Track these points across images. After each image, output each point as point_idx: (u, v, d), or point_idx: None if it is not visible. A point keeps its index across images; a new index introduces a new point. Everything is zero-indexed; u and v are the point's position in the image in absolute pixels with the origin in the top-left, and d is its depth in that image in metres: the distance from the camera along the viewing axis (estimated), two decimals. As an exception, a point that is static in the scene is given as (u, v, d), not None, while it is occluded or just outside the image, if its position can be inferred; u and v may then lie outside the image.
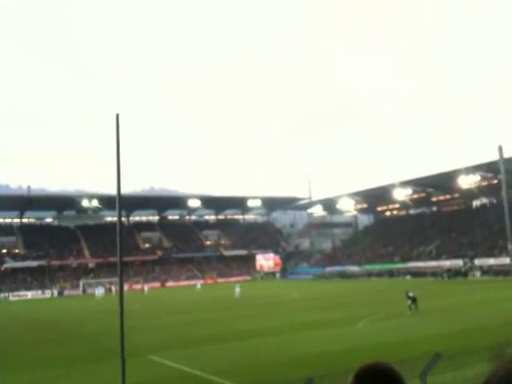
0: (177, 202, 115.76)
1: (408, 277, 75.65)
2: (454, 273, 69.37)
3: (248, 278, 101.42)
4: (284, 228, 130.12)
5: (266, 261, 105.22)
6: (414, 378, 10.76)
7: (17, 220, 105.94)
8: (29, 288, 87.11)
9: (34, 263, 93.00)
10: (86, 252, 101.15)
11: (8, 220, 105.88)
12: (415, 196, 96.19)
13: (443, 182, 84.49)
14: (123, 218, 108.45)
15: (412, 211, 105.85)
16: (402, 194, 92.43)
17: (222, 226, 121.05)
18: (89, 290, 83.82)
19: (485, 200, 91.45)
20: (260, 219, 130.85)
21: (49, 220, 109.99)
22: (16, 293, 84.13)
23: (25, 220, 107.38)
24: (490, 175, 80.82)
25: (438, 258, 78.41)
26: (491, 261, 68.87)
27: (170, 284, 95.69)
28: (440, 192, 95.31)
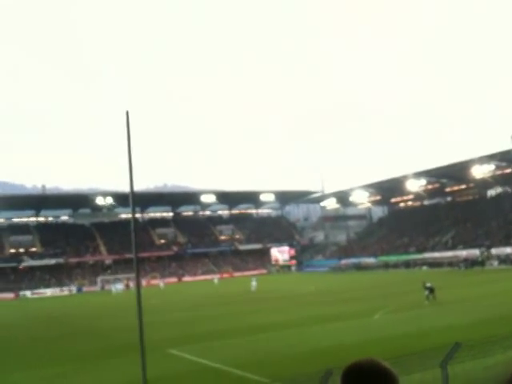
0: (190, 197, 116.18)
1: (424, 267, 75.26)
2: (470, 262, 68.87)
3: (263, 271, 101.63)
4: (298, 221, 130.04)
5: (281, 254, 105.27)
6: (434, 368, 10.74)
7: (33, 219, 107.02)
8: (47, 286, 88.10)
9: (52, 261, 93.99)
10: (103, 249, 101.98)
11: (24, 219, 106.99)
12: (429, 187, 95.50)
13: (457, 172, 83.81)
14: (138, 215, 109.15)
15: (426, 202, 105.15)
16: (415, 185, 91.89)
17: (236, 220, 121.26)
18: (107, 287, 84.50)
19: (499, 189, 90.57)
20: (273, 213, 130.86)
21: (64, 218, 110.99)
22: (35, 291, 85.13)
23: (41, 219, 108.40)
24: (504, 164, 80.00)
25: (454, 248, 77.88)
26: (508, 249, 68.25)
27: (186, 279, 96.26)
28: (454, 182, 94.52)
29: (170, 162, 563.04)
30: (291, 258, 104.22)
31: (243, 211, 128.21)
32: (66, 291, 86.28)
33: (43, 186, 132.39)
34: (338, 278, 69.67)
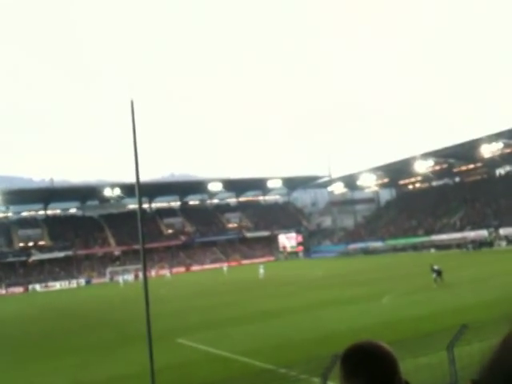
0: (197, 186, 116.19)
1: (432, 250, 75.07)
2: (479, 243, 68.62)
3: (271, 258, 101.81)
4: (305, 207, 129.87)
5: (288, 241, 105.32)
6: (441, 351, 10.71)
7: (41, 212, 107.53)
8: (56, 278, 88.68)
9: (61, 254, 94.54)
10: (111, 240, 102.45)
11: (33, 213, 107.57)
12: (437, 167, 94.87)
13: (465, 151, 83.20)
14: (145, 205, 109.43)
15: (434, 183, 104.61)
16: (423, 166, 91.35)
17: (244, 208, 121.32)
18: (116, 278, 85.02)
19: (508, 168, 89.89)
20: (281, 199, 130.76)
21: (73, 211, 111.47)
22: (44, 284, 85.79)
23: (49, 212, 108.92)
24: (512, 142, 79.29)
25: (462, 229, 77.57)
26: (517, 229, 67.92)
27: (194, 268, 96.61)
28: (462, 162, 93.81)
29: (176, 151, 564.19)
30: (299, 244, 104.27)
31: (250, 198, 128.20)
32: (75, 284, 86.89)
33: (51, 180, 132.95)
34: (345, 263, 69.68)
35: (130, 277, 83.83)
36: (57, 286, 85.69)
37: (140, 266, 78.63)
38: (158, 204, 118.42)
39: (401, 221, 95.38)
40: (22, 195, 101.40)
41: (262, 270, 57.00)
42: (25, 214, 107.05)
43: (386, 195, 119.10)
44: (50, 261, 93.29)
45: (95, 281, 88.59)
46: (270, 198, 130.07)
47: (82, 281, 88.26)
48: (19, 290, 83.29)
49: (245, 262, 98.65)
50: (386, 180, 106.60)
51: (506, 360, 1.29)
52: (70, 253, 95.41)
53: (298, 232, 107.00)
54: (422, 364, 10.59)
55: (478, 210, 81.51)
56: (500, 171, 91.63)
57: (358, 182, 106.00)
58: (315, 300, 30.49)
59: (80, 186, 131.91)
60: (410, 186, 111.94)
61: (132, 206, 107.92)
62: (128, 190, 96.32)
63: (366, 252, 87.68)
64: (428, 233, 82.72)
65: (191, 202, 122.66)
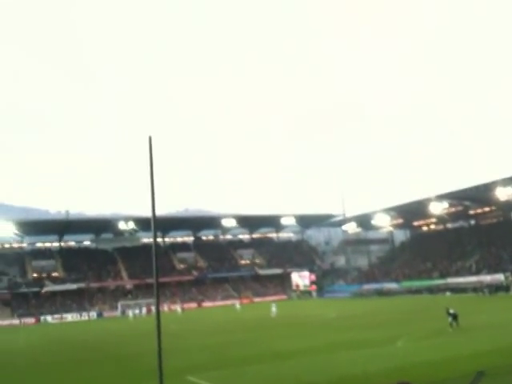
0: (211, 221, 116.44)
1: (448, 293, 73.87)
2: (495, 288, 67.46)
3: (284, 297, 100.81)
4: (319, 245, 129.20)
5: (301, 279, 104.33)
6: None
7: (56, 244, 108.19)
8: (68, 310, 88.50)
9: (73, 286, 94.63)
10: (124, 274, 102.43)
11: (48, 244, 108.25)
12: (452, 209, 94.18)
13: (480, 194, 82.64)
14: (159, 239, 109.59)
15: (449, 225, 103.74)
16: (438, 208, 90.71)
17: (257, 244, 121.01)
18: (127, 312, 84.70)
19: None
20: (294, 237, 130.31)
21: (87, 243, 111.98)
22: (56, 315, 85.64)
23: (64, 244, 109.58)
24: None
25: (478, 272, 76.43)
26: (534, 274, 66.77)
27: (206, 304, 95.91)
28: (478, 205, 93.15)
29: (191, 186, 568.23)
30: (312, 283, 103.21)
31: (264, 235, 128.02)
32: (86, 316, 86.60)
33: (67, 212, 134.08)
34: (359, 304, 68.78)
35: (139, 311, 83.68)
36: (68, 317, 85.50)
37: (152, 300, 78.41)
38: (172, 239, 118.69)
39: (416, 262, 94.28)
40: (38, 226, 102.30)
41: (274, 309, 56.49)
42: (39, 245, 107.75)
43: (401, 236, 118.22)
44: (62, 293, 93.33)
45: (106, 314, 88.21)
46: (284, 235, 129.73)
47: (94, 314, 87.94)
48: (31, 320, 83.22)
49: (257, 299, 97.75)
50: (400, 221, 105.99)
51: None
52: (82, 285, 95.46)
53: (311, 271, 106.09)
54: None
55: (493, 254, 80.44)
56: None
57: (373, 222, 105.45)
58: (328, 342, 30.05)
59: (95, 218, 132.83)
60: (425, 228, 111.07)
61: (146, 239, 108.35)
62: (142, 223, 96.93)
63: (380, 293, 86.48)
64: (443, 275, 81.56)
65: (204, 238, 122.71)
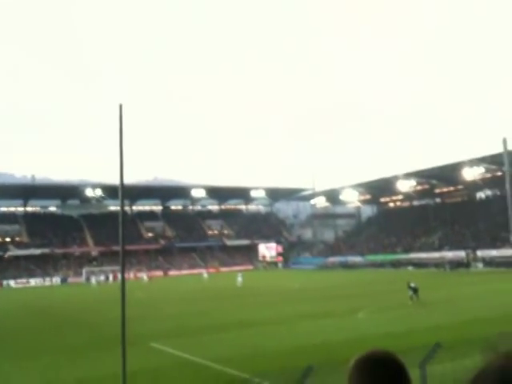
0: (180, 191, 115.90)
1: (410, 268, 75.69)
2: (456, 264, 69.38)
3: (251, 267, 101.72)
4: (287, 218, 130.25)
5: (268, 250, 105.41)
6: (413, 368, 10.81)
7: (21, 208, 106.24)
8: (32, 275, 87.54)
9: (38, 251, 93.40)
10: (90, 240, 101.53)
11: (12, 208, 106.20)
12: (419, 188, 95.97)
13: (447, 173, 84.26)
14: (127, 208, 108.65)
15: (415, 203, 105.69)
16: (405, 186, 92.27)
17: (225, 216, 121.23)
18: (92, 278, 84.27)
19: (488, 192, 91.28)
20: (263, 210, 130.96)
21: (52, 209, 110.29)
22: (19, 280, 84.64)
23: (29, 208, 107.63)
24: (494, 167, 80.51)
25: (440, 249, 78.43)
26: (494, 252, 68.89)
27: (172, 273, 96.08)
28: (444, 184, 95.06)
29: (161, 156, 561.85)
30: (278, 254, 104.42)
31: (233, 207, 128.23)
32: (49, 282, 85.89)
33: (33, 176, 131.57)
34: (323, 276, 69.87)
35: (105, 278, 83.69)
36: (32, 282, 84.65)
37: (117, 267, 78.03)
38: (140, 207, 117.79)
39: (381, 237, 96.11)
40: (2, 190, 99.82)
41: (240, 279, 57.10)
42: (3, 209, 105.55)
43: (368, 211, 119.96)
44: (26, 257, 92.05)
45: (71, 280, 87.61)
46: (253, 207, 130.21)
47: (58, 279, 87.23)
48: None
49: (224, 269, 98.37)
50: (368, 196, 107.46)
51: None
52: (47, 250, 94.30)
53: (278, 242, 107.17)
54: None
55: (456, 232, 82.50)
56: (480, 195, 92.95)
57: (341, 197, 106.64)
58: (291, 312, 30.50)
59: (62, 184, 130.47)
60: (392, 204, 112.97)
61: (113, 207, 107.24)
62: (110, 191, 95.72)
63: (345, 266, 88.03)
64: (407, 250, 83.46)
65: (173, 207, 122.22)
